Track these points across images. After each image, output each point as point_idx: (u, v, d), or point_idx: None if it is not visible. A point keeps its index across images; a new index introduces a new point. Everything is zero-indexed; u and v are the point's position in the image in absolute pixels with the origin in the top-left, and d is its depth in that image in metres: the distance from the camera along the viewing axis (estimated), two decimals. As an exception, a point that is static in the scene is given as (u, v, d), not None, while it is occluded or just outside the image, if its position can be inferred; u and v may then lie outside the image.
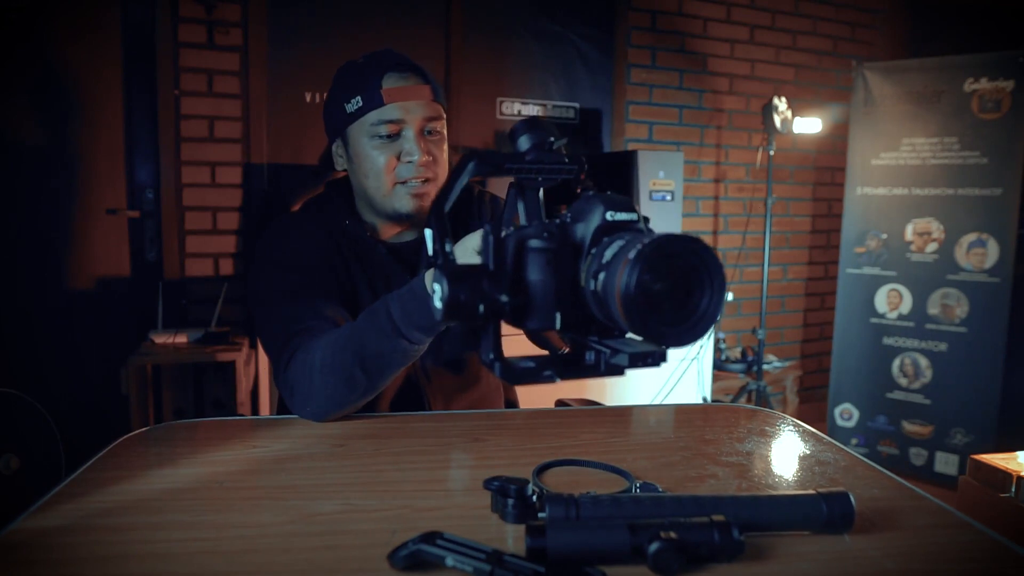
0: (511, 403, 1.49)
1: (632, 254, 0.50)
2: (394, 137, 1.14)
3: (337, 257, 1.19)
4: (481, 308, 0.55)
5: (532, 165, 0.64)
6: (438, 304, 0.55)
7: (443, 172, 1.19)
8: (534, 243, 0.57)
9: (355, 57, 1.21)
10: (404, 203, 1.16)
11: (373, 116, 1.13)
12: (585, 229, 0.57)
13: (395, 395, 1.23)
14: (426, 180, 1.15)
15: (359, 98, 1.13)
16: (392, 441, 0.99)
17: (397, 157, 1.14)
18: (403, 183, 1.15)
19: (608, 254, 0.53)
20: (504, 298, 0.55)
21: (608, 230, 0.57)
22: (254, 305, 1.15)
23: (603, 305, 0.53)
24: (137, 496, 0.78)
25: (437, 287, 0.55)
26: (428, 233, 0.59)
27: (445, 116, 1.20)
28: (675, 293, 0.53)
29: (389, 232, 1.24)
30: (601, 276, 0.53)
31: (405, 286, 0.95)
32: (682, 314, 0.53)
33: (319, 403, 1.01)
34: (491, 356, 0.58)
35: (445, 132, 1.20)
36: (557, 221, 0.59)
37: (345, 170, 1.23)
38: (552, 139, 0.65)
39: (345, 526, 0.71)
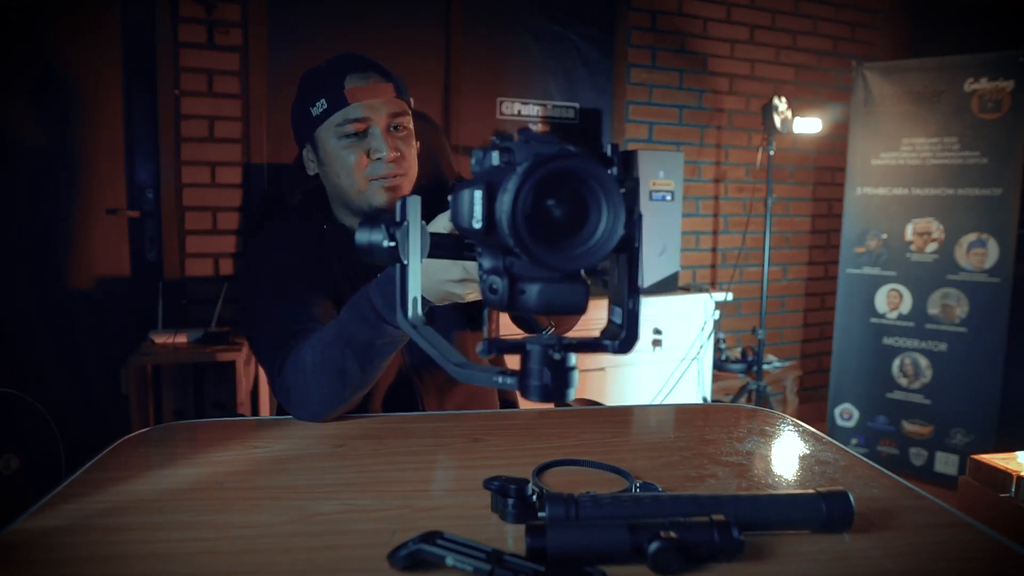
0: (510, 403, 1.49)
1: (518, 174, 0.48)
2: (361, 135, 1.15)
3: (321, 262, 1.21)
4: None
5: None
6: None
7: (413, 166, 1.21)
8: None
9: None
10: (378, 198, 1.17)
11: (339, 116, 1.14)
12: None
13: (387, 392, 1.23)
14: (396, 175, 1.17)
15: (323, 100, 1.14)
16: (392, 441, 0.99)
17: (367, 155, 1.16)
18: (375, 179, 1.16)
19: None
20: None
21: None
22: (245, 317, 1.17)
23: (497, 233, 0.50)
24: (137, 496, 0.78)
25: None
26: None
27: (411, 112, 1.22)
28: (570, 216, 0.51)
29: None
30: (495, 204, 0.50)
31: (382, 273, 0.96)
32: (580, 238, 0.51)
33: (315, 403, 1.02)
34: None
35: (412, 127, 1.22)
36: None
37: (317, 174, 1.24)
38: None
39: (345, 526, 0.71)
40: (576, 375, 0.58)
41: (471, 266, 0.83)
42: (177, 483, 0.82)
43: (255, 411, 2.53)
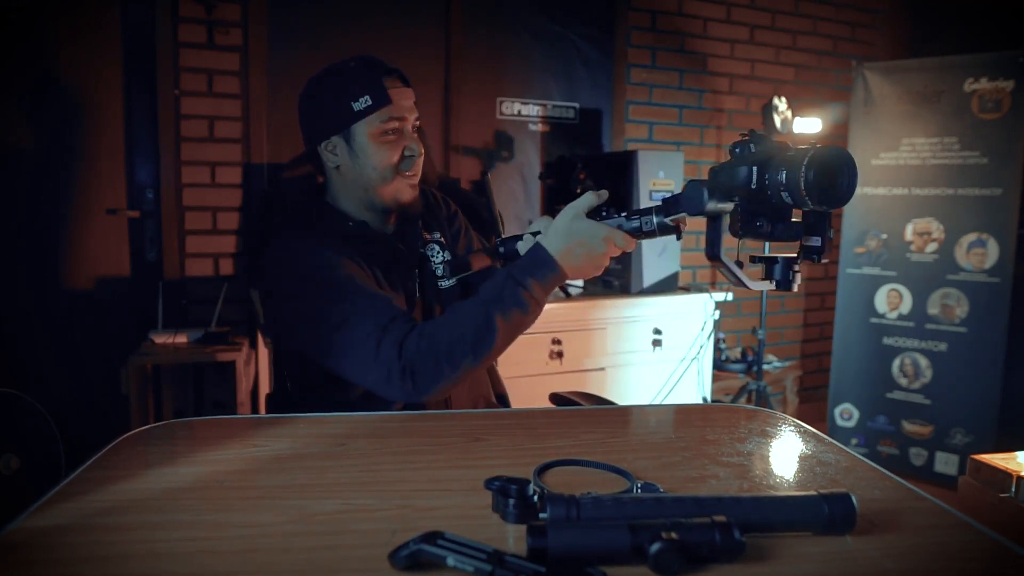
0: (500, 396, 1.50)
1: (805, 161, 0.84)
2: (399, 134, 1.23)
3: (354, 256, 1.24)
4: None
5: None
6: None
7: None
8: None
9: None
10: (405, 194, 1.27)
11: (383, 113, 1.21)
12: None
13: None
14: (418, 173, 1.28)
15: (367, 97, 1.20)
16: (392, 440, 0.99)
17: (401, 152, 1.24)
18: (403, 176, 1.25)
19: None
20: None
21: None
22: (302, 321, 1.18)
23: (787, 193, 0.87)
24: (137, 495, 0.78)
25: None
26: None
27: None
28: (828, 179, 0.85)
29: (374, 225, 1.31)
30: (781, 176, 0.87)
31: (523, 258, 1.11)
32: (836, 190, 0.86)
33: (445, 378, 1.07)
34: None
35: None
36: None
37: (336, 166, 1.27)
38: None
39: (345, 526, 0.71)
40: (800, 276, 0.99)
41: (620, 238, 1.07)
42: (177, 482, 0.82)
43: (255, 411, 2.53)
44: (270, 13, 2.70)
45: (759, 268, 1.00)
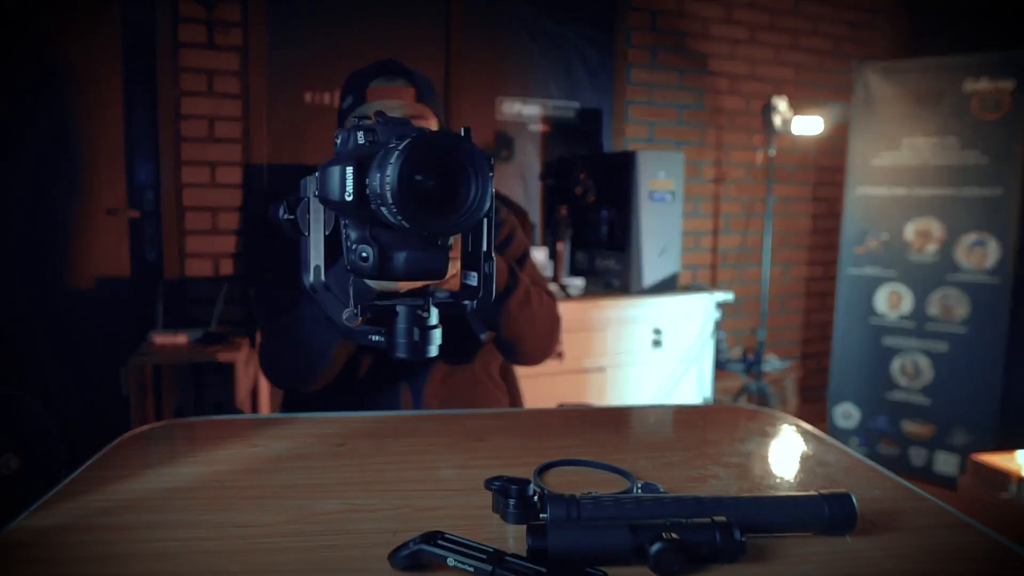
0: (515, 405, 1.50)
1: (394, 154, 0.56)
2: None
3: None
4: None
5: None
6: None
7: None
8: None
9: (354, 58, 1.35)
10: None
11: (357, 112, 1.23)
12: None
13: (370, 369, 1.26)
14: None
15: (350, 97, 1.24)
16: (392, 440, 0.99)
17: None
18: None
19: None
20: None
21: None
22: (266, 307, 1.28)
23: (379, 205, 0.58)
24: (137, 495, 0.78)
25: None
26: None
27: (436, 118, 1.27)
28: (443, 187, 0.58)
29: None
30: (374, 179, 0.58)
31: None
32: (452, 205, 0.58)
33: (285, 376, 1.20)
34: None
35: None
36: None
37: None
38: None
39: (346, 526, 0.71)
40: (439, 333, 0.67)
41: None
42: (177, 482, 0.82)
43: (255, 411, 2.53)
44: (270, 13, 2.70)
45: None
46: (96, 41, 2.56)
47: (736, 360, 3.32)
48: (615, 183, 2.81)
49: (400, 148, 0.56)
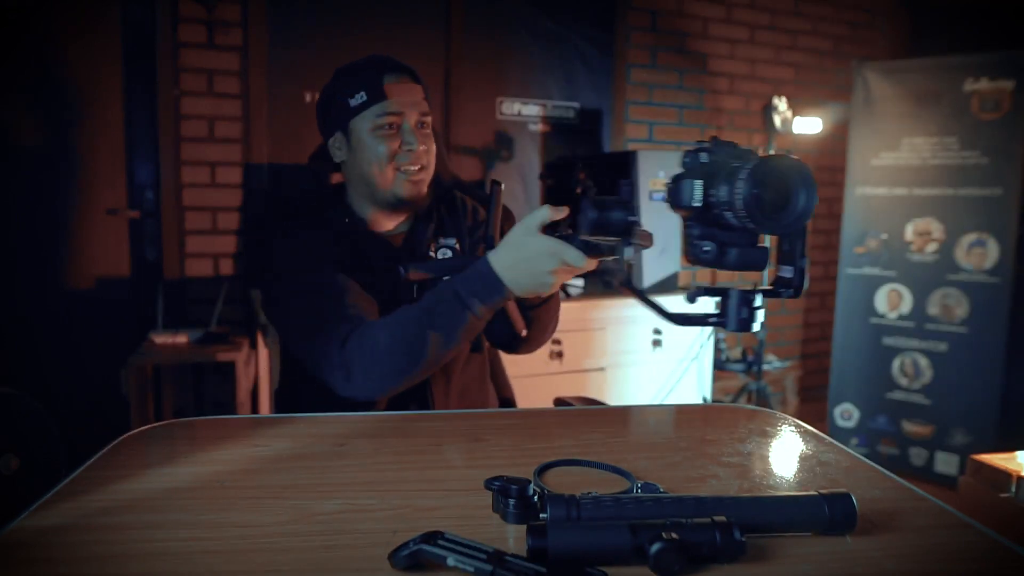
0: (507, 401, 1.50)
1: (743, 171, 0.71)
2: (395, 129, 1.24)
3: (345, 251, 1.27)
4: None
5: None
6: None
7: (432, 163, 1.30)
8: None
9: (354, 58, 1.30)
10: (403, 189, 1.26)
11: (377, 109, 1.23)
12: None
13: None
14: (421, 168, 1.27)
15: (363, 93, 1.23)
16: (393, 440, 0.99)
17: (398, 146, 1.25)
18: (402, 171, 1.25)
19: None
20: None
21: None
22: (282, 306, 1.25)
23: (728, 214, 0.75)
24: (138, 495, 0.78)
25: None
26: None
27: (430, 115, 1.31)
28: (778, 198, 0.73)
29: (381, 223, 1.33)
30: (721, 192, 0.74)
31: (468, 269, 1.07)
32: (786, 212, 0.73)
33: (381, 379, 1.09)
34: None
35: (431, 130, 1.32)
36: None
37: (343, 161, 1.31)
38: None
39: (346, 526, 0.71)
40: (762, 313, 0.83)
41: (572, 255, 0.98)
42: (177, 482, 0.82)
43: (255, 411, 2.53)
44: (270, 13, 2.70)
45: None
46: (96, 41, 2.56)
47: (736, 360, 3.32)
48: (615, 183, 2.80)
49: (750, 167, 0.71)
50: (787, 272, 0.81)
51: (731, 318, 0.82)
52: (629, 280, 0.93)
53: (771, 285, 0.83)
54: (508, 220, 1.61)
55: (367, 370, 1.08)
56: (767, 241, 0.85)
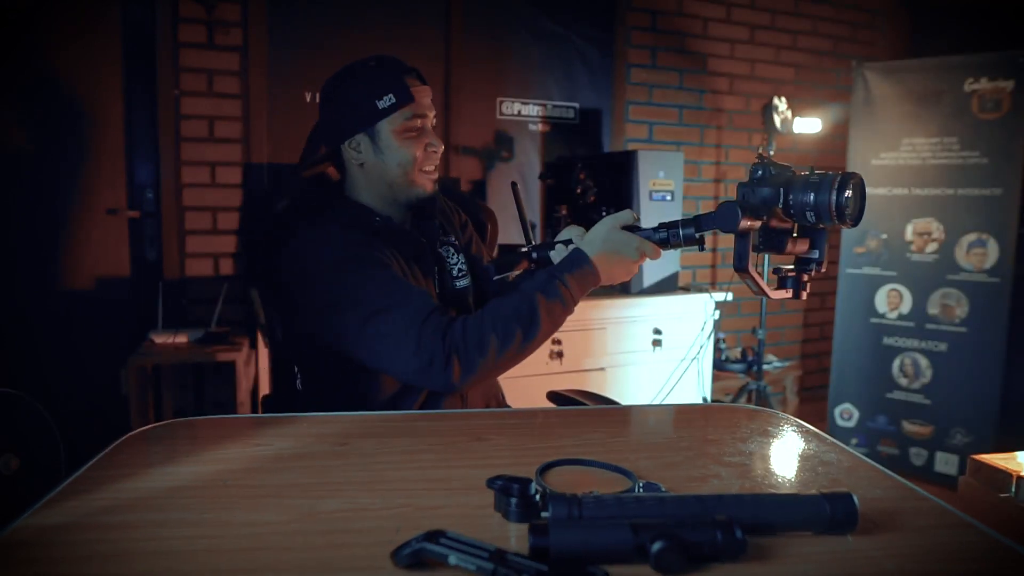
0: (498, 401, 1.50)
1: (837, 185, 0.94)
2: (421, 130, 1.28)
3: (383, 248, 1.24)
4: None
5: None
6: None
7: None
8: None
9: (354, 58, 1.30)
10: (425, 189, 1.30)
11: (407, 111, 1.25)
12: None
13: None
14: (435, 167, 1.31)
15: (391, 95, 1.24)
16: (395, 440, 0.99)
17: (424, 148, 1.28)
18: (424, 171, 1.29)
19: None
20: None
21: None
22: (334, 307, 1.18)
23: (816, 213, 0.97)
24: (140, 494, 0.78)
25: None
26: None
27: None
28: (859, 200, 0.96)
29: (399, 221, 1.34)
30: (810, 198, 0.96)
31: (563, 260, 1.18)
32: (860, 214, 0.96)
33: (483, 370, 1.11)
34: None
35: None
36: None
37: (362, 163, 1.29)
38: None
39: (348, 524, 0.71)
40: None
41: (650, 248, 1.16)
42: (180, 481, 0.82)
43: (255, 411, 2.52)
44: (270, 13, 2.70)
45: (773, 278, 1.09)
46: (96, 41, 2.56)
47: (736, 360, 3.32)
48: (615, 183, 2.81)
49: (839, 178, 0.94)
50: (815, 254, 1.05)
51: (795, 288, 1.07)
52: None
53: (810, 264, 1.05)
54: (490, 217, 1.66)
55: (471, 361, 1.10)
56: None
